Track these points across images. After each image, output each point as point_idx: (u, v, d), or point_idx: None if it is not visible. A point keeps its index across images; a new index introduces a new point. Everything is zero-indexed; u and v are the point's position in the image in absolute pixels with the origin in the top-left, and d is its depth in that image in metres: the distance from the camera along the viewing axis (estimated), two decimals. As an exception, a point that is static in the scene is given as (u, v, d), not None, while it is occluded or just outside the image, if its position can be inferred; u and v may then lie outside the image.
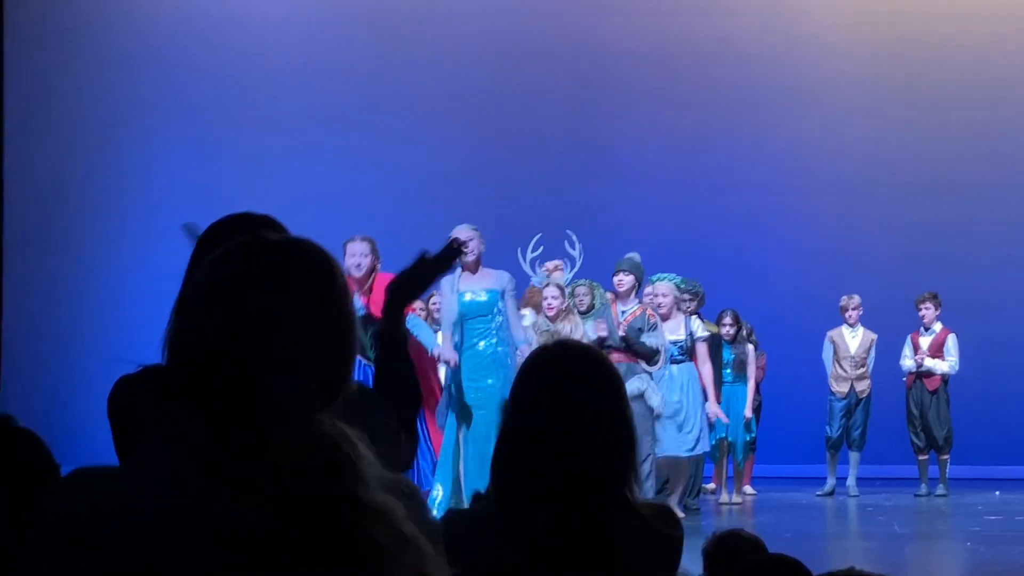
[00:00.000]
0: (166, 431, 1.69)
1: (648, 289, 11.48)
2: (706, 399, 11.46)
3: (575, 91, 15.35)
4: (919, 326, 13.33)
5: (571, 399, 2.73)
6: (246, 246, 1.83)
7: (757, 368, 12.86)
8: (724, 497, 12.73)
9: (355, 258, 9.39)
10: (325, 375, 1.78)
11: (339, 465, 1.65)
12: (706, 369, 11.37)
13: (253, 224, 2.91)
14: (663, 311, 11.09)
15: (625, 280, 10.81)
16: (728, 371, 12.62)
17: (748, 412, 12.69)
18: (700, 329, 11.35)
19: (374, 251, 9.48)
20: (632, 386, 10.21)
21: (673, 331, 11.14)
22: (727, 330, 12.65)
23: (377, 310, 9.00)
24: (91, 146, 15.45)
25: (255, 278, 1.79)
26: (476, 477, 9.23)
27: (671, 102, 15.25)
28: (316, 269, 1.83)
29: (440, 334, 10.19)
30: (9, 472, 2.37)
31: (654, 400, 10.50)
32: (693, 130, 15.18)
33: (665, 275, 11.35)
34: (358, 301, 9.33)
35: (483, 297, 9.66)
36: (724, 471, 12.82)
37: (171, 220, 14.32)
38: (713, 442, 12.29)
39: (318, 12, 15.52)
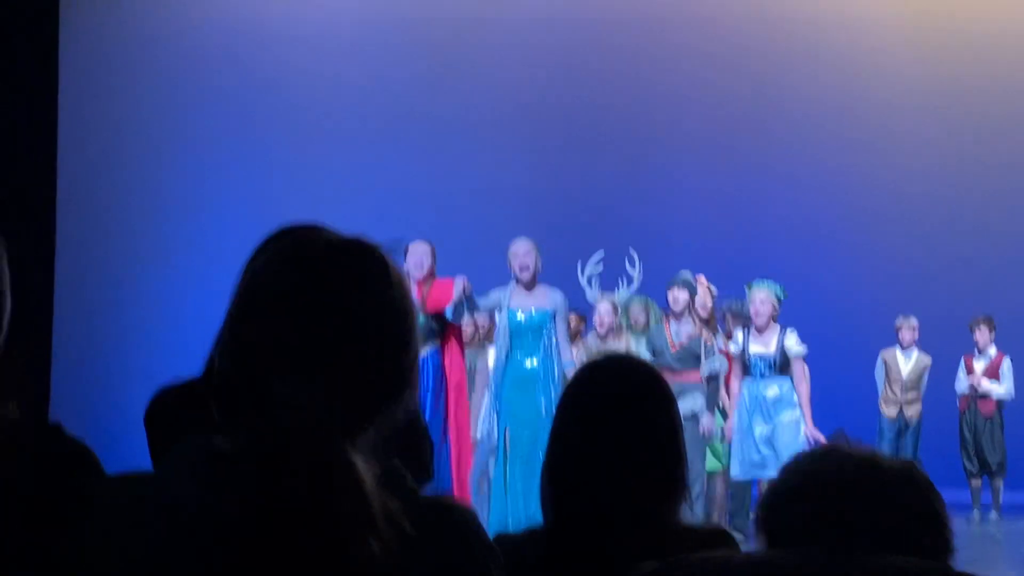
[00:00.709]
0: (187, 441, 1.66)
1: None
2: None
3: (632, 108, 15.27)
4: (973, 348, 13.15)
5: (620, 417, 2.63)
6: (288, 247, 1.76)
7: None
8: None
9: (416, 256, 9.43)
10: (364, 393, 1.70)
11: (321, 509, 1.56)
12: (803, 388, 10.52)
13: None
14: (760, 321, 10.53)
15: (680, 297, 10.65)
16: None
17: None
18: (796, 344, 10.56)
19: (434, 255, 9.52)
20: (684, 406, 10.14)
21: (765, 344, 10.57)
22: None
23: (431, 308, 9.15)
24: (141, 159, 15.43)
25: (291, 281, 1.71)
26: (522, 497, 9.17)
27: (727, 123, 15.14)
28: (367, 271, 1.74)
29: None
30: (58, 483, 2.33)
31: (704, 421, 10.38)
32: (748, 150, 15.07)
33: (763, 281, 10.74)
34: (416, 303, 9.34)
35: (533, 315, 9.58)
36: None
37: (221, 233, 14.30)
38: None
39: (373, 27, 15.49)
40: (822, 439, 10.48)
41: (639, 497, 2.60)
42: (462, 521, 1.77)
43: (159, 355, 13.55)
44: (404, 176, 15.21)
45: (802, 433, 10.41)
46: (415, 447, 2.82)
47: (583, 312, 11.74)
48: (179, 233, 15.39)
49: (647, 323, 11.19)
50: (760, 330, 10.52)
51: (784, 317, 12.02)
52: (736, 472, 10.54)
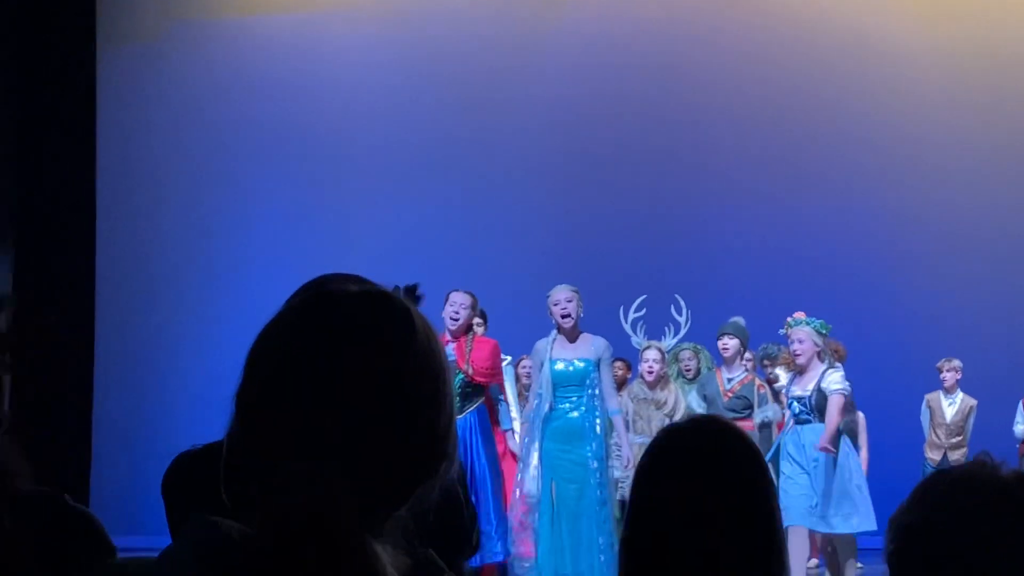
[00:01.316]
0: (198, 520, 1.50)
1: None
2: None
3: (670, 152, 15.10)
4: (1030, 392, 12.80)
5: (709, 487, 2.31)
6: (297, 307, 1.58)
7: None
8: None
9: (453, 307, 9.29)
10: (391, 470, 1.49)
11: None
12: (832, 420, 9.59)
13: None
14: (801, 361, 9.77)
15: (730, 344, 10.32)
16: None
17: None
18: (836, 382, 9.66)
19: (475, 307, 9.36)
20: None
21: (803, 387, 9.79)
22: None
23: (466, 364, 8.91)
24: (182, 205, 15.42)
25: (300, 346, 1.52)
26: (570, 552, 8.91)
27: (770, 165, 14.95)
28: (388, 327, 1.54)
29: (517, 397, 9.90)
30: (62, 554, 2.14)
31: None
32: (790, 193, 14.86)
33: (803, 319, 10.03)
34: (450, 354, 9.11)
35: (578, 366, 9.24)
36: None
37: (264, 279, 14.19)
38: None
39: (412, 73, 15.41)
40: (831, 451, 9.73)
41: None
42: None
43: (199, 413, 13.37)
44: (443, 222, 15.06)
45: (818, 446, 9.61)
46: (454, 523, 2.52)
47: (628, 359, 11.47)
48: (221, 284, 15.29)
49: (699, 371, 10.88)
50: (802, 372, 9.84)
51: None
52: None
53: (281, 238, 15.23)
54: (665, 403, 10.08)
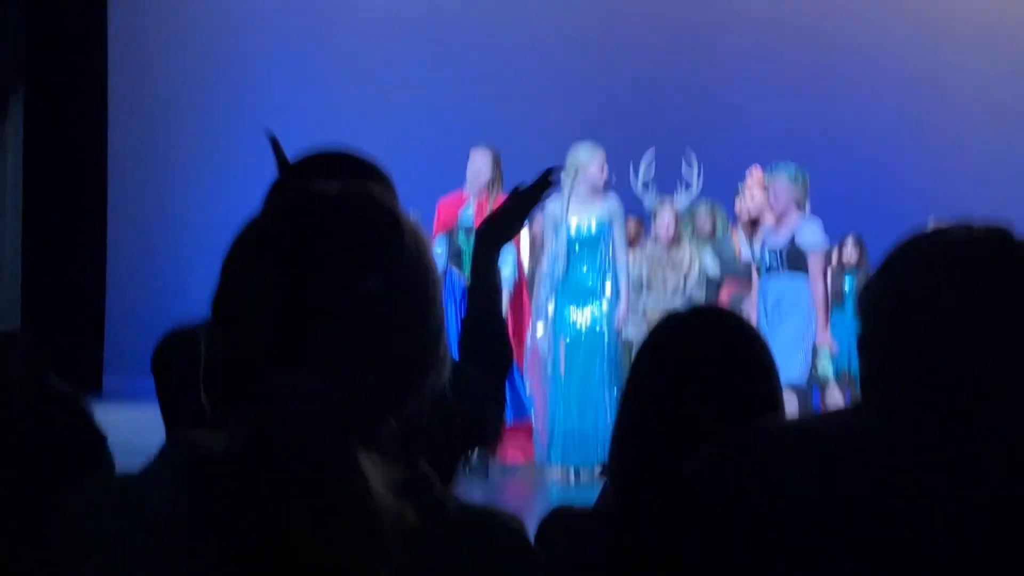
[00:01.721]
0: (176, 439, 1.43)
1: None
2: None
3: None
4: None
5: (707, 389, 2.22)
6: (276, 205, 1.51)
7: None
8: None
9: (475, 165, 9.23)
10: (377, 378, 1.44)
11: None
12: (819, 289, 9.06)
13: (346, 169, 2.46)
14: (778, 210, 9.28)
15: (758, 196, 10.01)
16: (850, 300, 12.01)
17: None
18: (813, 236, 9.07)
19: (497, 164, 9.24)
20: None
21: (778, 234, 9.21)
22: (848, 252, 11.99)
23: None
24: (197, 59, 15.28)
25: (279, 252, 1.45)
26: (577, 413, 8.93)
27: (792, 4, 14.71)
28: (371, 233, 1.47)
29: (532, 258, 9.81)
30: (52, 443, 2.07)
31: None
32: (811, 38, 14.64)
33: (779, 165, 9.47)
34: (468, 217, 8.99)
35: (592, 226, 9.12)
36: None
37: (277, 118, 14.11)
38: (836, 373, 11.80)
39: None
40: (833, 346, 9.31)
41: None
42: (504, 535, 1.49)
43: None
44: (449, 81, 14.89)
45: (806, 344, 9.01)
46: (469, 426, 2.42)
47: (640, 216, 11.32)
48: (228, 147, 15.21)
49: (713, 231, 10.71)
50: (779, 221, 9.26)
51: (853, 226, 11.51)
52: None
53: (294, 87, 15.08)
54: (680, 264, 9.95)
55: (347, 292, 1.43)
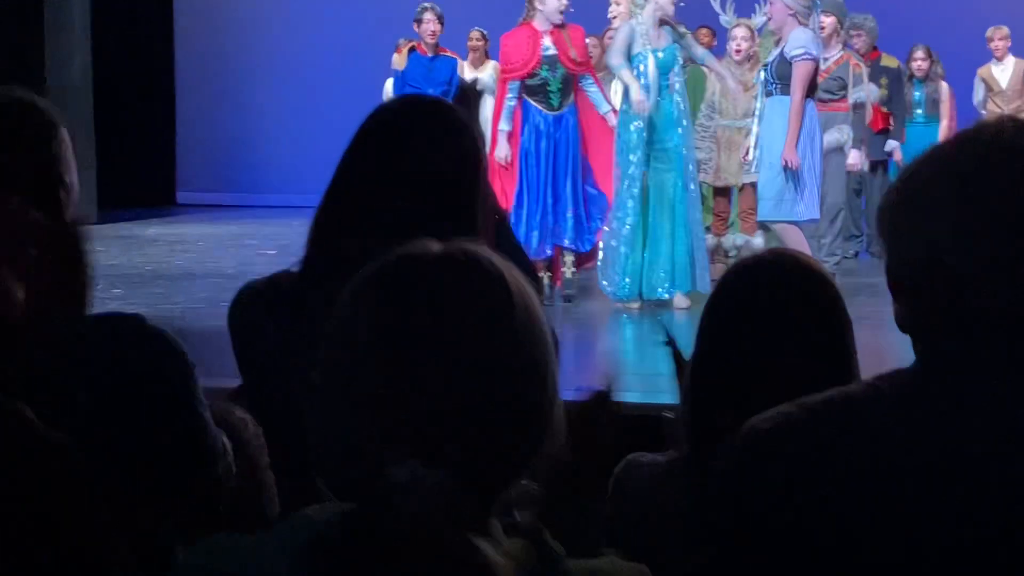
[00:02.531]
0: (295, 517, 1.41)
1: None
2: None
3: None
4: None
5: (781, 334, 2.18)
6: (386, 269, 1.43)
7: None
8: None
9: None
10: (498, 463, 1.41)
11: None
12: (795, 97, 8.43)
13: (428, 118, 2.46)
14: (773, 26, 8.91)
15: (827, 22, 9.56)
16: (920, 111, 11.78)
17: None
18: (796, 45, 8.45)
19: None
20: (831, 138, 9.49)
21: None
22: (919, 64, 11.66)
23: (571, 52, 8.71)
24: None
25: (391, 342, 1.39)
26: (667, 243, 8.78)
27: None
28: (480, 301, 1.41)
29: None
30: (141, 378, 2.02)
31: (852, 155, 9.74)
32: None
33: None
34: (548, 47, 8.81)
35: (667, 54, 8.87)
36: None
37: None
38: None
39: None
40: (794, 163, 8.41)
41: None
42: None
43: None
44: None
45: (773, 159, 8.49)
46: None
47: (713, 27, 11.09)
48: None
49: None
50: (777, 41, 8.80)
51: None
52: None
53: None
54: (754, 85, 9.72)
55: (459, 368, 1.36)
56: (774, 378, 2.10)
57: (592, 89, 9.10)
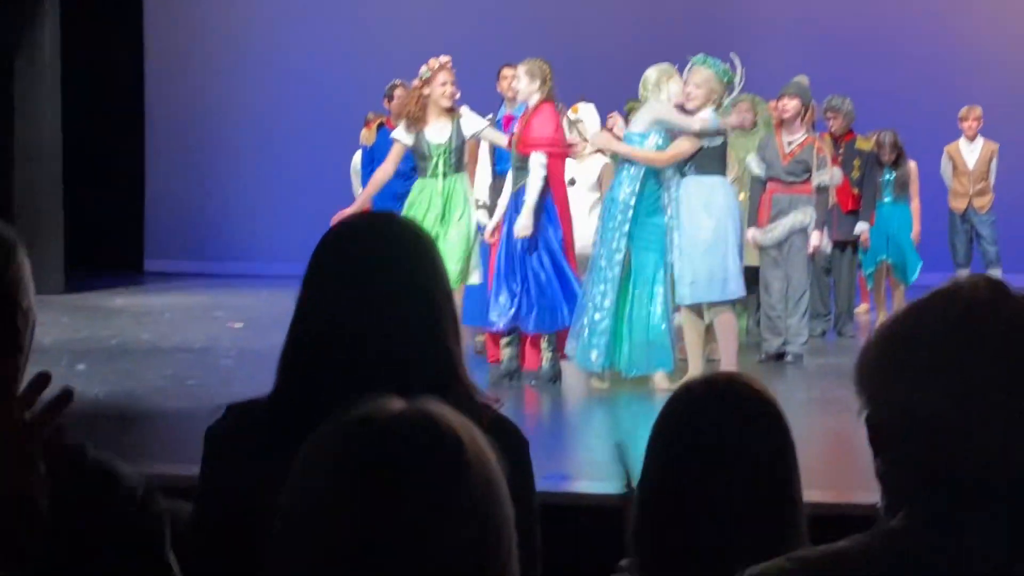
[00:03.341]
0: None
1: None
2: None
3: None
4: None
5: (723, 459, 2.20)
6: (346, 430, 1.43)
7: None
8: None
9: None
10: None
11: None
12: (651, 156, 8.57)
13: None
14: (691, 106, 8.58)
15: (790, 105, 9.82)
16: (888, 191, 11.81)
17: (917, 231, 11.88)
18: (717, 119, 8.57)
19: (549, 78, 8.77)
20: (795, 219, 9.55)
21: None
22: (887, 156, 11.64)
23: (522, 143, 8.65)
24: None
25: (340, 483, 1.40)
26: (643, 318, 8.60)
27: None
28: (433, 461, 1.41)
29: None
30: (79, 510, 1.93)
31: (814, 237, 9.77)
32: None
33: (702, 57, 8.75)
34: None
35: (639, 138, 8.81)
36: (881, 294, 12.09)
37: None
38: (871, 268, 11.75)
39: None
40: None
41: (744, 548, 2.06)
42: None
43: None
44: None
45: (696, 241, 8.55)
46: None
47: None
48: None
49: (755, 122, 10.61)
50: (694, 111, 8.65)
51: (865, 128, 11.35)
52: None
53: None
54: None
55: (411, 538, 1.36)
56: (719, 508, 2.18)
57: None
